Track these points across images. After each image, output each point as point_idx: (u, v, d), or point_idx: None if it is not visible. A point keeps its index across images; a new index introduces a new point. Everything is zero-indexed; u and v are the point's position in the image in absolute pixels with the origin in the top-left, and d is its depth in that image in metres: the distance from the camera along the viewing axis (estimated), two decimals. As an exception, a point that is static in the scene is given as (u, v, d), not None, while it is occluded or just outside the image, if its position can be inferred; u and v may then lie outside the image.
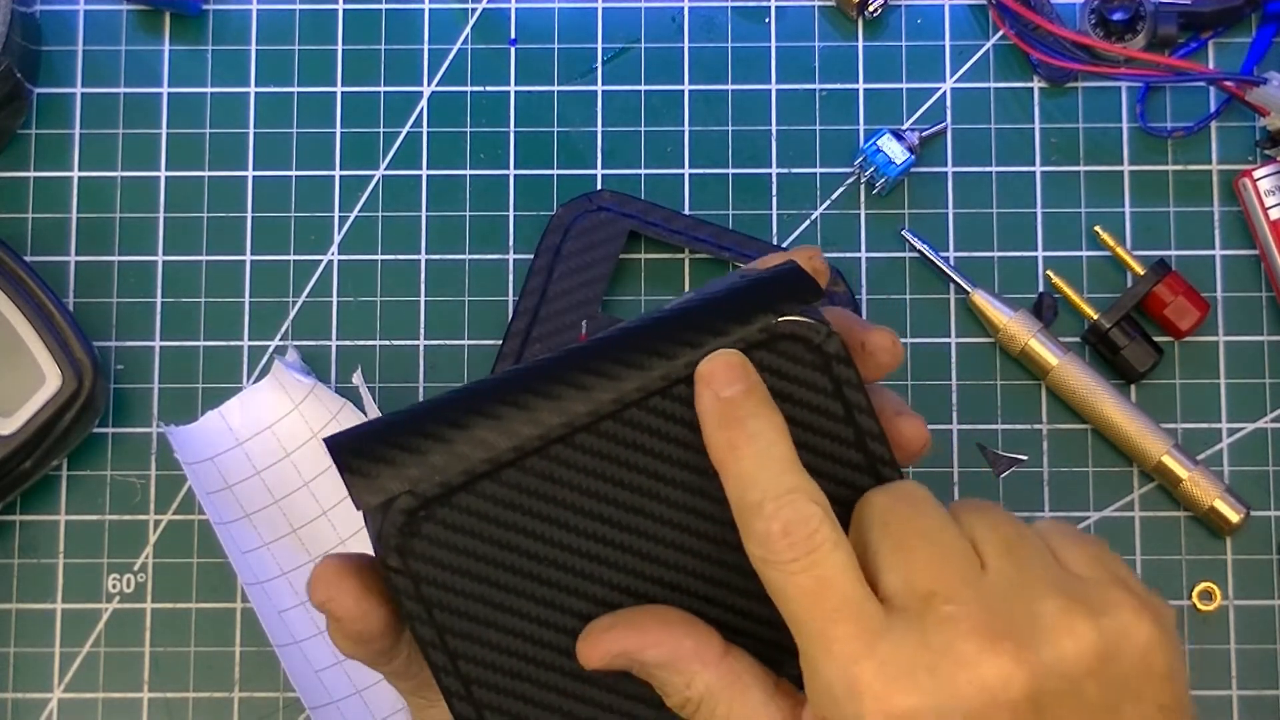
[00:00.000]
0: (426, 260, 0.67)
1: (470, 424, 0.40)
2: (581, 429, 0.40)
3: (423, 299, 0.67)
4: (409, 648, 0.42)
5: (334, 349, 0.67)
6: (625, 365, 0.40)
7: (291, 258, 0.68)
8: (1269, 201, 0.65)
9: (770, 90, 0.68)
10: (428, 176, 0.68)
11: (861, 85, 0.68)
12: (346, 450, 0.40)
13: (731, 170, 0.68)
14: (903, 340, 0.66)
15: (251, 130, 0.68)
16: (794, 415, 0.41)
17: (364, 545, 0.64)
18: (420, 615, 0.40)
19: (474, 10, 0.69)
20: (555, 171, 0.68)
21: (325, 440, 0.40)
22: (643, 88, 0.68)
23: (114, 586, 0.65)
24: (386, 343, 0.67)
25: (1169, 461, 0.64)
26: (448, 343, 0.67)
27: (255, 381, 0.66)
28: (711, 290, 0.43)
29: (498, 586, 0.40)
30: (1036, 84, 0.68)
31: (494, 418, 0.40)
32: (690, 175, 0.68)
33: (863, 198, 0.67)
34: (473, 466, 0.39)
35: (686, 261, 0.67)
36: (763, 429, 0.40)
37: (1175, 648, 0.40)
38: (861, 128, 0.68)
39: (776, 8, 0.69)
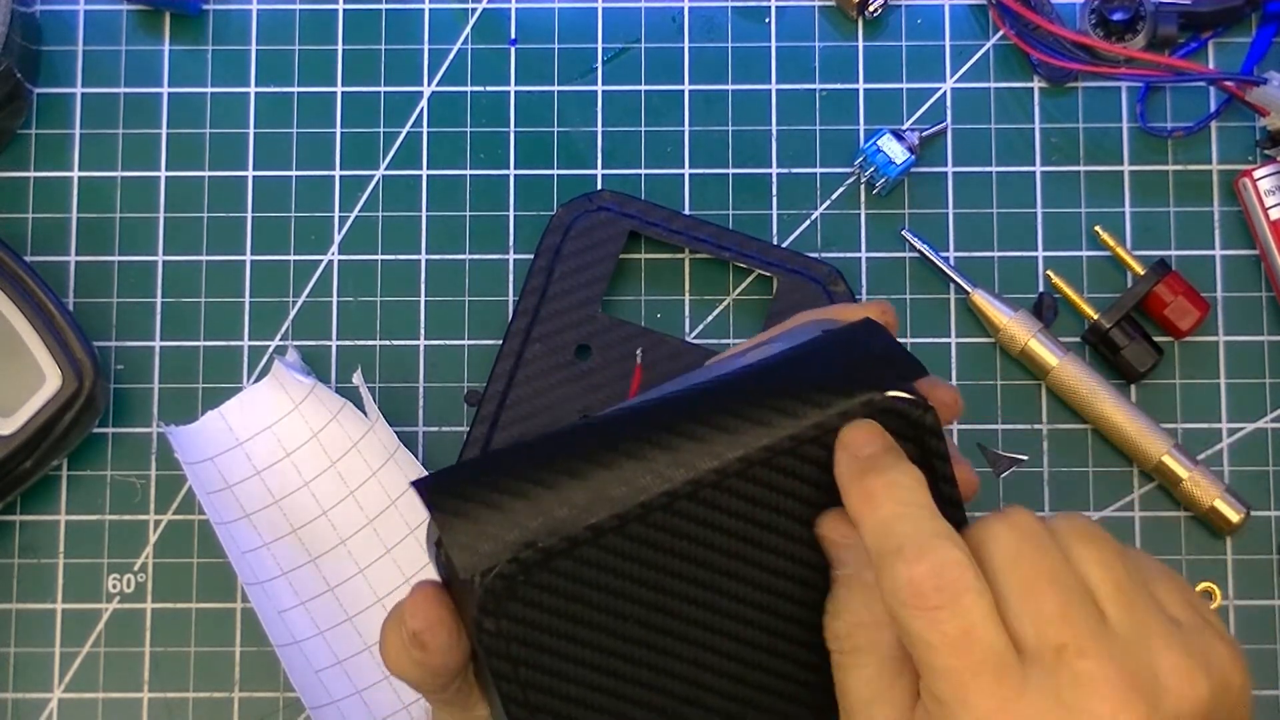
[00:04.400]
0: (426, 260, 0.67)
1: (565, 484, 0.40)
2: (683, 496, 0.40)
3: (423, 299, 0.67)
4: (462, 679, 0.42)
5: (334, 349, 0.67)
6: (721, 429, 0.40)
7: (291, 258, 0.68)
8: (1269, 201, 0.65)
9: (770, 90, 0.68)
10: (428, 176, 0.68)
11: (861, 85, 0.68)
12: (442, 503, 0.39)
13: (731, 170, 0.68)
14: (903, 340, 0.66)
15: (251, 130, 0.68)
16: None
17: (367, 547, 0.64)
18: (507, 673, 0.40)
19: (474, 10, 0.69)
20: (555, 171, 0.68)
21: (415, 485, 0.40)
22: (643, 88, 0.68)
23: (114, 586, 0.65)
24: (386, 343, 0.67)
25: (1169, 461, 0.64)
26: (448, 343, 0.67)
27: (255, 381, 0.66)
28: (800, 347, 0.43)
29: (586, 645, 0.40)
30: (1036, 84, 0.68)
31: (586, 478, 0.40)
32: (690, 175, 0.68)
33: (863, 198, 0.67)
34: (575, 533, 0.39)
35: (686, 261, 0.67)
36: (900, 478, 0.40)
37: (1251, 691, 0.41)
38: (861, 128, 0.68)
39: (776, 8, 0.69)
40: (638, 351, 0.59)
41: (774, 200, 0.67)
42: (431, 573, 0.41)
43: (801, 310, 0.50)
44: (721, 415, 0.41)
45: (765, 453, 0.40)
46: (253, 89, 0.69)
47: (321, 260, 0.67)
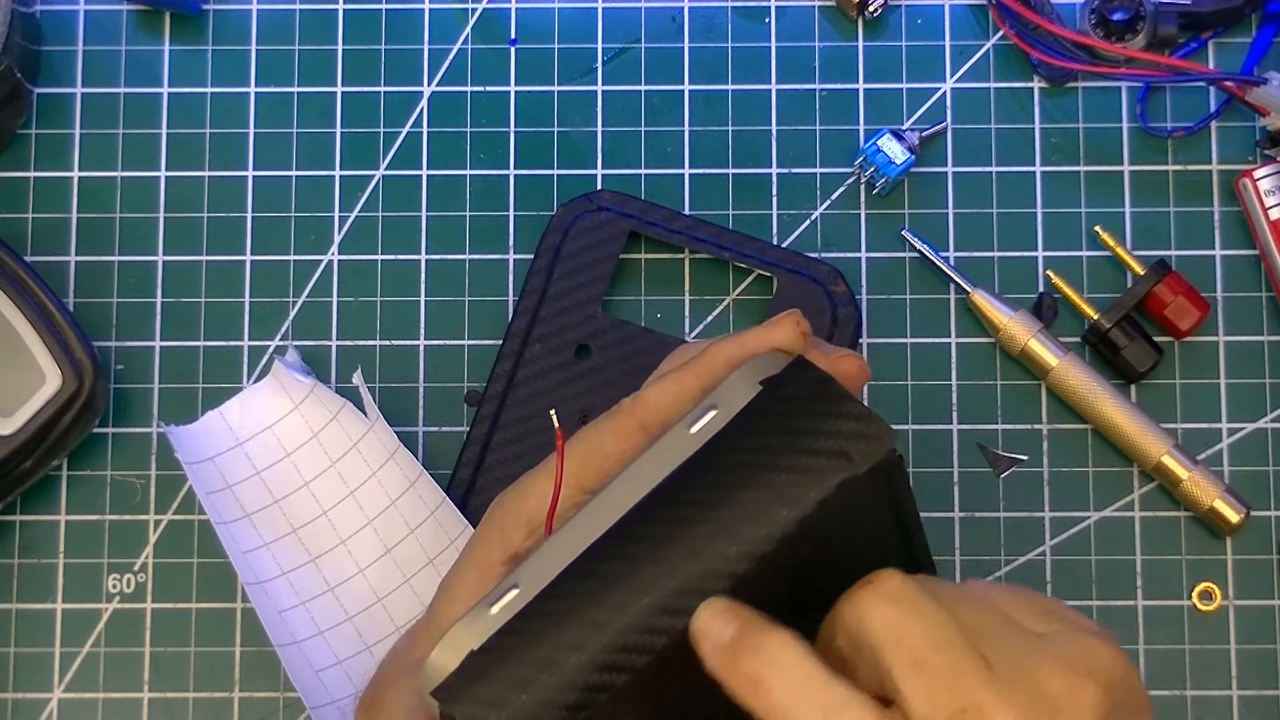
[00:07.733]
0: (426, 260, 0.67)
1: (564, 655, 0.40)
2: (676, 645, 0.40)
3: (423, 299, 0.67)
4: None
5: (334, 349, 0.67)
6: (698, 558, 0.40)
7: (291, 258, 0.68)
8: (1269, 201, 0.65)
9: (770, 90, 0.68)
10: (428, 176, 0.68)
11: (861, 85, 0.68)
12: (472, 712, 0.40)
13: (731, 170, 0.68)
14: (902, 340, 0.66)
15: (251, 130, 0.68)
16: (862, 525, 0.42)
17: (367, 547, 0.64)
18: None
19: (474, 10, 0.69)
20: (555, 171, 0.68)
21: (435, 696, 0.41)
22: (643, 88, 0.68)
23: (114, 586, 0.65)
24: (386, 343, 0.67)
25: (1169, 461, 0.64)
26: (448, 343, 0.67)
27: (255, 381, 0.66)
28: (748, 417, 0.43)
29: None
30: (1036, 84, 0.68)
31: (580, 647, 0.40)
32: (690, 175, 0.68)
33: (863, 198, 0.67)
34: (586, 700, 0.40)
35: (686, 261, 0.67)
36: (777, 653, 0.39)
37: (1135, 669, 0.41)
38: (861, 128, 0.68)
39: (776, 8, 0.69)
40: (551, 412, 0.50)
41: (774, 200, 0.67)
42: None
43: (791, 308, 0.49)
44: (699, 543, 0.40)
45: (757, 563, 0.40)
46: (253, 89, 0.69)
47: (321, 260, 0.67)
